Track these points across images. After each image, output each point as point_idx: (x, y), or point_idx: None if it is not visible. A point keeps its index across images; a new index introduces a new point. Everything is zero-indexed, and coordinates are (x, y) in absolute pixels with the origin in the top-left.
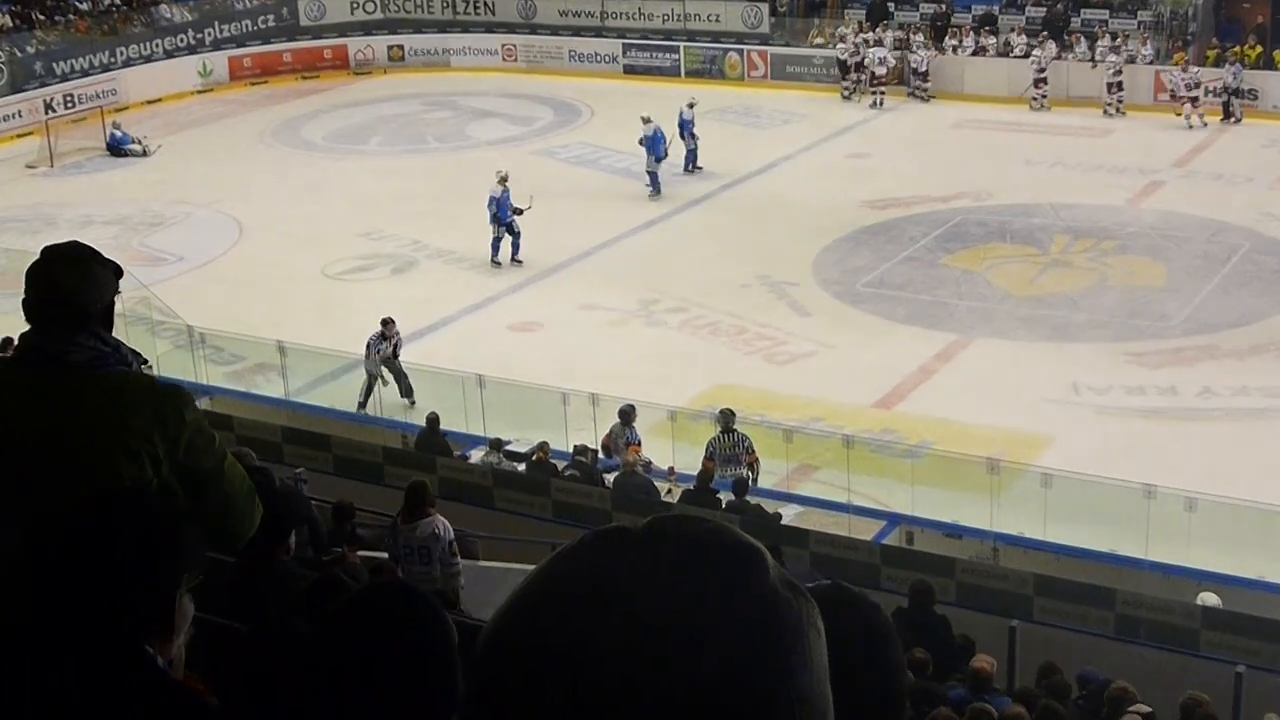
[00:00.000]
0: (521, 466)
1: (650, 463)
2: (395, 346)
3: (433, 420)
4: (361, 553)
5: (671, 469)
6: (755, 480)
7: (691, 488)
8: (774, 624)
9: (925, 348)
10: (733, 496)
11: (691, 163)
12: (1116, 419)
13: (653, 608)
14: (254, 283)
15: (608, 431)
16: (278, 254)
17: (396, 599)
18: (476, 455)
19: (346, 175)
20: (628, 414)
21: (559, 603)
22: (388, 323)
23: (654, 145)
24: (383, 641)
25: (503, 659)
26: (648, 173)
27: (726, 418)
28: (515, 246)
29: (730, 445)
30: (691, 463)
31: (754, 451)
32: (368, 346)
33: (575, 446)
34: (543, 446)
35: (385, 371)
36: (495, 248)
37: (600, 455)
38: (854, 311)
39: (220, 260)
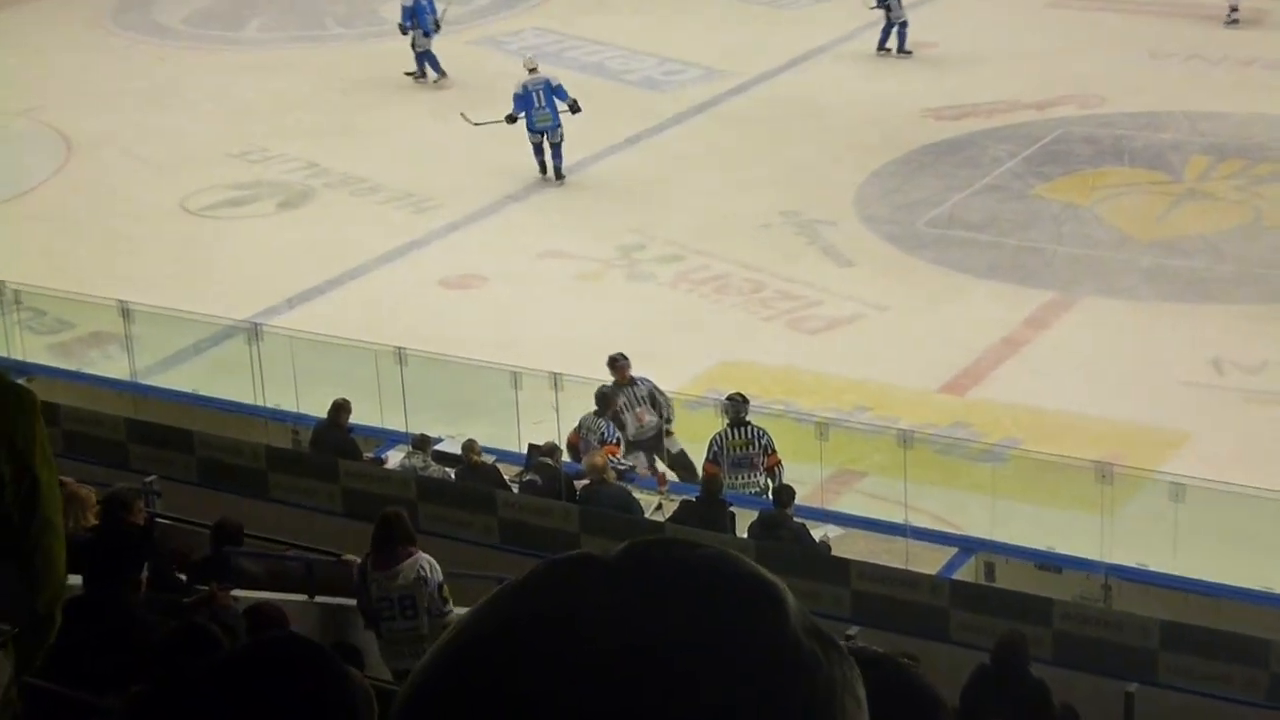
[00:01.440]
0: (455, 472)
1: (632, 467)
2: None
3: (337, 409)
4: (239, 592)
5: (661, 475)
6: (774, 483)
7: (693, 500)
8: (795, 688)
9: (1011, 310)
10: (759, 513)
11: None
12: (1273, 408)
13: (626, 664)
14: (86, 221)
15: (576, 425)
16: (119, 181)
17: (288, 660)
18: (395, 458)
19: (215, 73)
20: (606, 399)
21: (501, 654)
22: None
23: (419, 12)
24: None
25: None
26: (415, 53)
27: (737, 407)
28: (557, 156)
29: (742, 443)
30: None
31: (774, 451)
32: None
33: (531, 446)
34: (470, 445)
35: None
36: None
37: (566, 457)
38: (913, 261)
39: (39, 191)
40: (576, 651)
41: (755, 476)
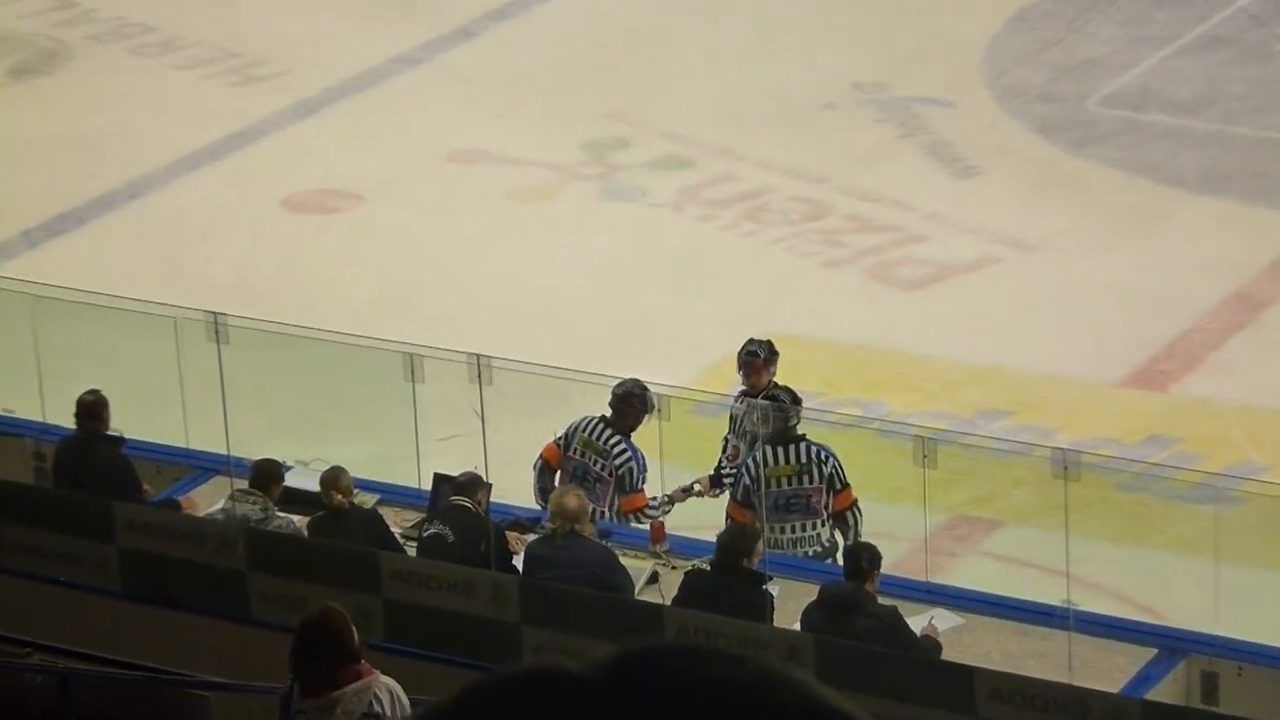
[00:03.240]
0: (311, 522)
1: (669, 501)
2: None
3: (88, 410)
4: None
5: (657, 528)
6: (845, 539)
7: (705, 567)
8: None
9: (1245, 248)
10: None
11: None
12: None
13: None
14: None
15: (563, 433)
16: None
17: None
18: (209, 497)
19: None
20: (632, 401)
21: None
22: None
23: None
24: None
25: None
26: None
27: (781, 411)
28: None
29: (792, 471)
30: (704, 515)
31: (845, 485)
32: None
33: (439, 477)
34: (334, 479)
35: None
36: None
37: (505, 499)
38: (1080, 166)
39: None
40: None
41: (812, 528)
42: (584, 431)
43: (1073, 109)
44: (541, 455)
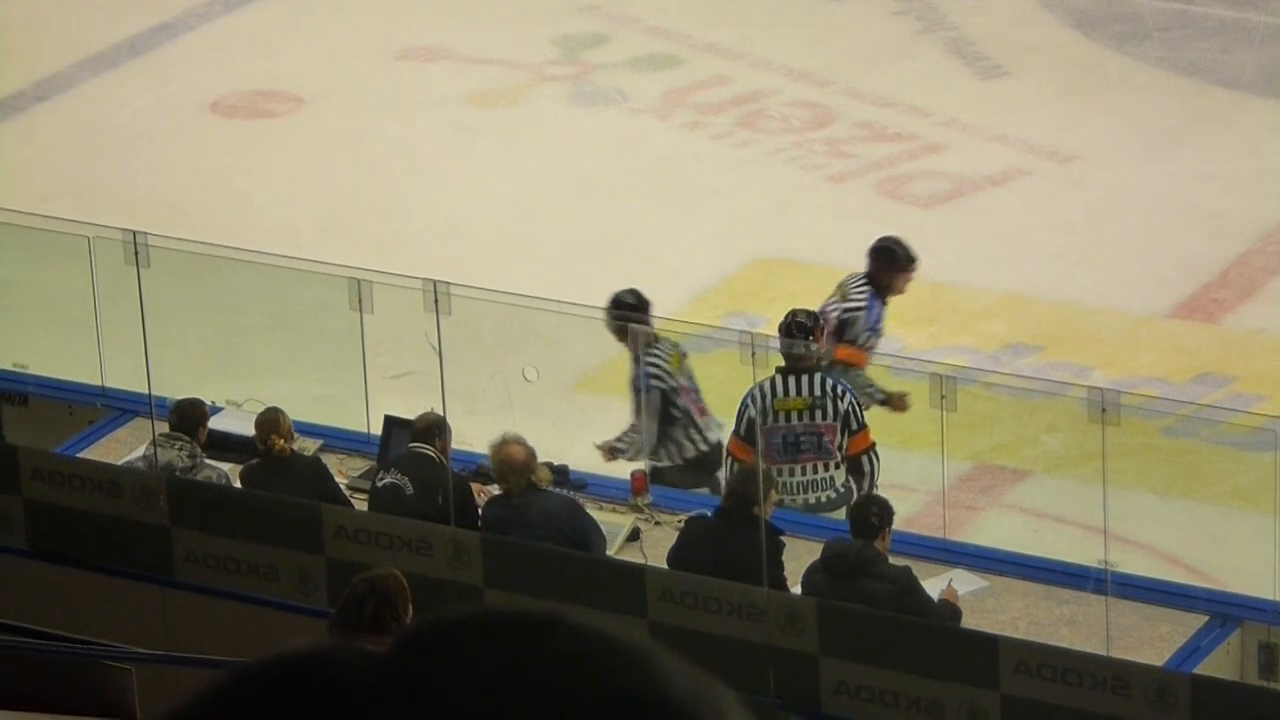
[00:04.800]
0: (245, 470)
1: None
2: None
3: None
4: None
5: (639, 477)
6: (860, 488)
7: (707, 517)
8: None
9: None
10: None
11: None
12: None
13: None
14: None
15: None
16: None
17: None
18: (129, 442)
19: None
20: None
21: None
22: None
23: None
24: None
25: None
26: None
27: (791, 338)
28: None
29: (803, 403)
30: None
31: (863, 425)
32: None
33: (390, 420)
34: (272, 420)
35: None
36: None
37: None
38: (1122, 63)
39: None
40: None
41: (824, 469)
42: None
43: (1114, 0)
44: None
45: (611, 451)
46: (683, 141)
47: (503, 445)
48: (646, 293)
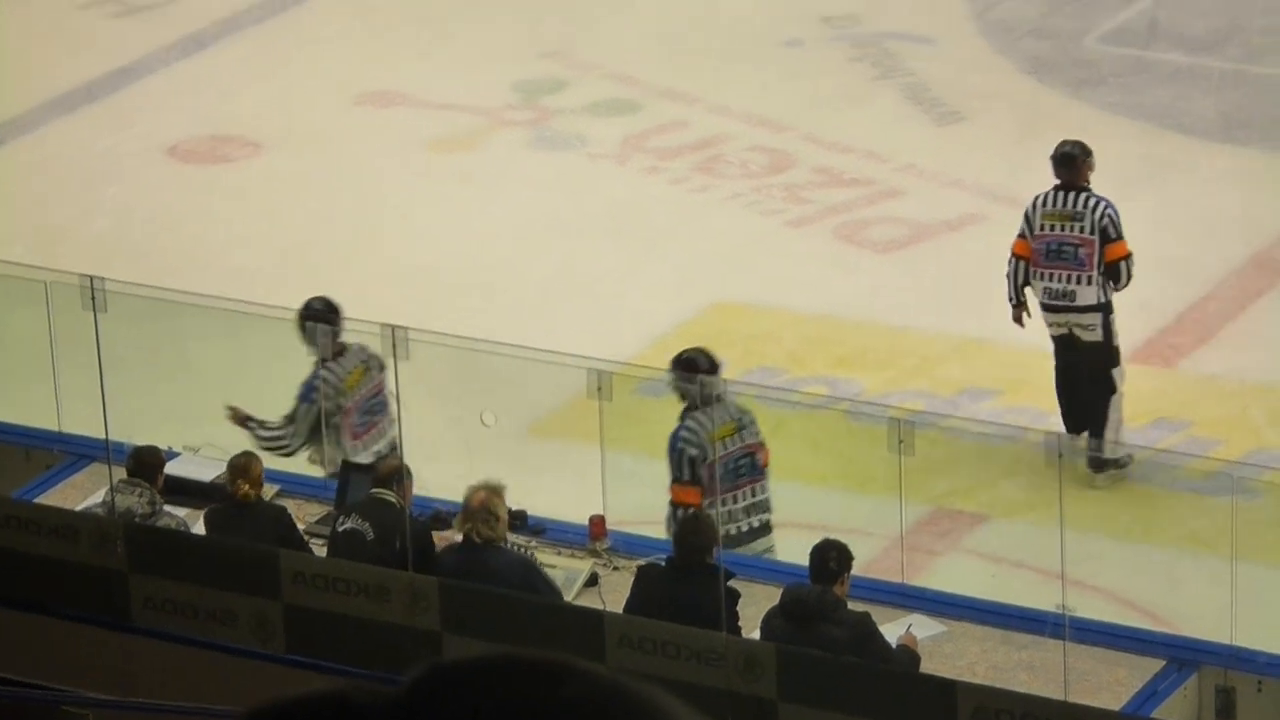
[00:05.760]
0: (208, 514)
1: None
2: None
3: None
4: None
5: (598, 521)
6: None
7: (659, 564)
8: None
9: (1266, 203)
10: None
11: None
12: None
13: None
14: None
15: (1023, 225)
16: None
17: None
18: (83, 489)
19: None
20: (1075, 155)
21: None
22: None
23: None
24: None
25: None
26: None
27: (702, 374)
28: None
29: (731, 428)
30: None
31: (762, 443)
32: None
33: (347, 465)
34: (243, 465)
35: None
36: None
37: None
38: (1080, 110)
39: None
40: None
41: (761, 491)
42: (1044, 205)
43: (1070, 46)
44: (1013, 253)
45: (244, 422)
46: (641, 186)
47: (474, 491)
48: (604, 336)
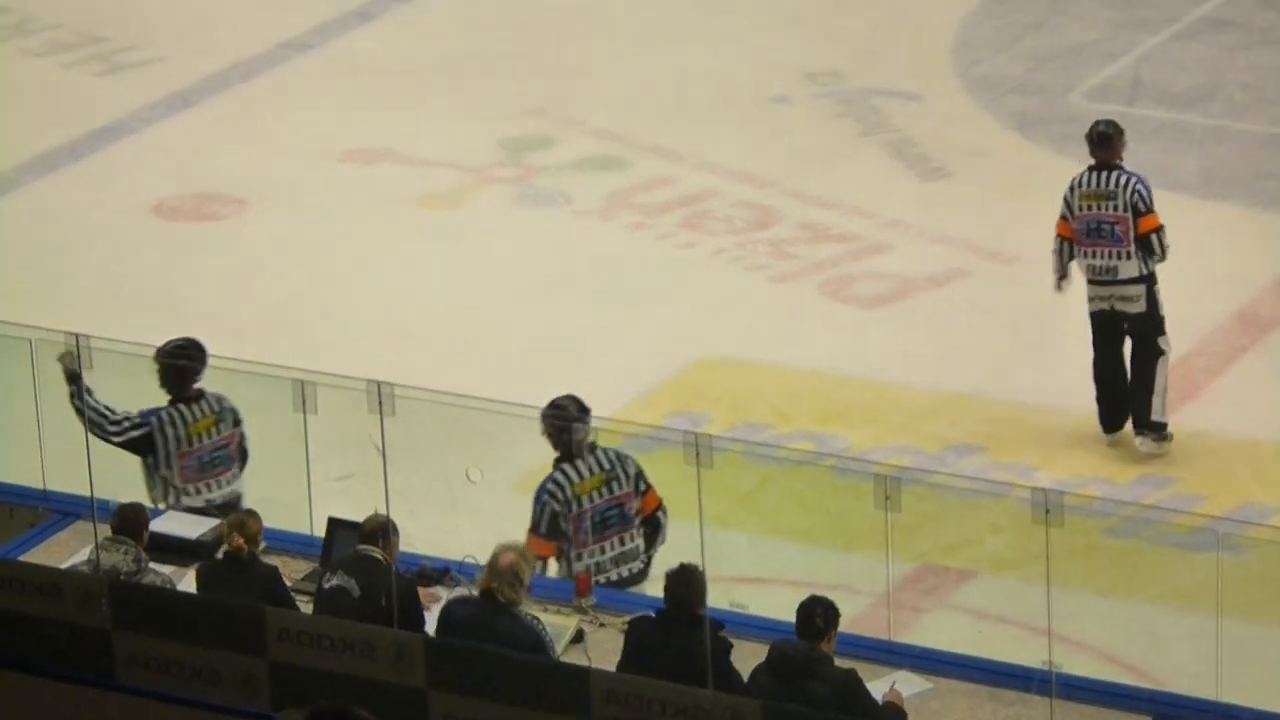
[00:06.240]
0: (200, 571)
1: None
2: None
3: None
4: None
5: (583, 578)
6: (653, 549)
7: (651, 616)
8: None
9: (1249, 260)
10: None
11: None
12: None
13: None
14: None
15: (1063, 208)
16: None
17: None
18: (68, 546)
19: None
20: (1109, 134)
21: None
22: None
23: None
24: None
25: None
26: None
27: (573, 420)
28: None
29: (599, 481)
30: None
31: (648, 484)
32: None
33: (334, 521)
34: (243, 521)
35: None
36: None
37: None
38: (1065, 166)
39: None
40: None
41: (630, 540)
42: (1081, 186)
43: (1055, 102)
44: (1058, 234)
45: (74, 378)
46: (626, 242)
47: (502, 550)
48: (590, 393)
